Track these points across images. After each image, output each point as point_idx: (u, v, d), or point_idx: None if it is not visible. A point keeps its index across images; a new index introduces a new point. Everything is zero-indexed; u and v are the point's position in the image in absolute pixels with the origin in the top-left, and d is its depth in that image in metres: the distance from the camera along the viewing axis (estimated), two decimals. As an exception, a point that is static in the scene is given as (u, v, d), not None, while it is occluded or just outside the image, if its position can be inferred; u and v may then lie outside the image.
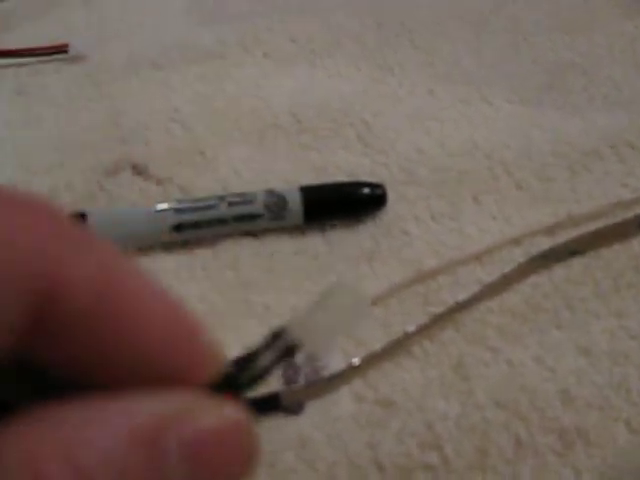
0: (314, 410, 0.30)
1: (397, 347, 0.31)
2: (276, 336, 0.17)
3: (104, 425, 0.14)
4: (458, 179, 0.39)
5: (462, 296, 0.33)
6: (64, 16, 0.49)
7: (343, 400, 0.30)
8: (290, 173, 0.38)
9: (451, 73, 0.46)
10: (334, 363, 0.30)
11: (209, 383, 0.16)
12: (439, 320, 0.32)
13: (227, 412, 0.15)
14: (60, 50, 0.46)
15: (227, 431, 0.15)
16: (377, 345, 0.31)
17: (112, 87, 0.44)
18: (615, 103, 0.44)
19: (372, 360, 0.31)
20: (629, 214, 0.37)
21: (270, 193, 0.35)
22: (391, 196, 0.37)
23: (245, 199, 0.35)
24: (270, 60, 0.46)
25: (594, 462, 0.29)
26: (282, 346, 0.16)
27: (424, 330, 0.32)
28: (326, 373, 0.30)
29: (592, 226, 0.36)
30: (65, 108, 0.43)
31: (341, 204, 0.36)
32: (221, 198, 0.35)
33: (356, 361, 0.30)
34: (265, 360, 0.16)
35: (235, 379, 0.16)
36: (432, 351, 0.32)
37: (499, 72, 0.46)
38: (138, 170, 0.38)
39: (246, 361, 0.16)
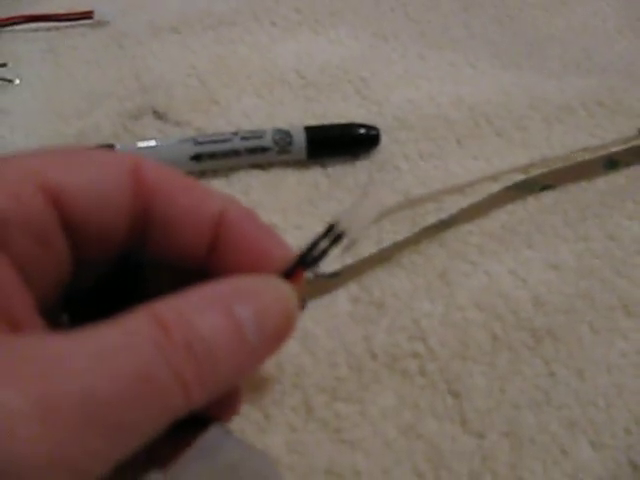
0: (315, 309, 0.34)
1: (387, 255, 0.35)
2: (330, 227, 0.23)
3: (202, 295, 0.20)
4: (444, 126, 0.43)
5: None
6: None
7: (340, 301, 0.35)
8: (295, 119, 0.43)
9: (441, 41, 0.50)
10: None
11: (287, 263, 0.23)
12: (424, 233, 0.36)
13: (284, 290, 0.22)
14: (85, 16, 0.50)
15: (283, 305, 0.22)
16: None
17: (135, 49, 0.48)
18: (587, 70, 0.49)
19: (365, 265, 0.35)
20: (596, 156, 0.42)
21: (278, 130, 0.40)
22: (385, 140, 0.42)
23: (256, 134, 0.39)
24: (277, 28, 0.51)
25: (561, 355, 0.33)
26: (333, 234, 0.23)
27: (411, 242, 0.36)
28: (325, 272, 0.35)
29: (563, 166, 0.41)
30: (92, 65, 0.47)
31: (340, 142, 0.41)
32: (235, 133, 0.39)
33: (350, 261, 0.34)
34: (322, 245, 0.23)
35: (304, 260, 0.23)
36: (419, 262, 0.36)
37: (484, 42, 0.51)
38: (159, 115, 0.43)
39: (310, 247, 0.23)
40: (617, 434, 0.31)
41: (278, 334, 0.22)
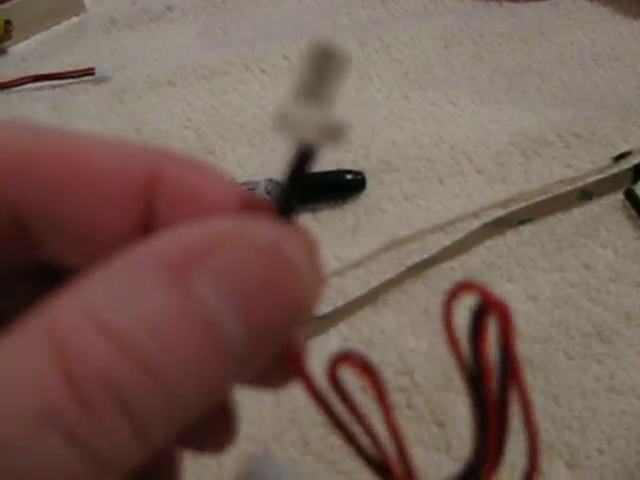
0: (309, 348, 0.37)
1: (374, 296, 0.38)
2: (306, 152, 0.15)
3: (125, 271, 0.13)
4: (427, 166, 0.46)
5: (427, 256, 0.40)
6: (91, 46, 0.57)
7: (333, 341, 0.38)
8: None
9: (423, 80, 0.53)
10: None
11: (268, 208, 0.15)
12: (408, 273, 0.39)
13: (270, 233, 0.13)
14: (87, 73, 0.54)
15: (270, 258, 0.13)
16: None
17: (134, 103, 0.52)
18: (564, 100, 0.52)
19: (354, 306, 0.38)
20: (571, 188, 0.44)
21: (270, 181, 0.42)
22: (371, 182, 0.45)
23: (249, 186, 0.42)
24: (267, 75, 0.54)
25: (538, 382, 0.36)
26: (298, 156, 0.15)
27: (396, 282, 0.39)
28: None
29: (540, 199, 0.44)
30: (95, 121, 0.50)
31: (328, 188, 0.44)
32: (229, 186, 0.42)
33: (340, 305, 0.37)
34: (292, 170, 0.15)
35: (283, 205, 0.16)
36: (404, 301, 0.39)
37: (465, 78, 0.54)
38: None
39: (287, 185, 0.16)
40: (591, 455, 0.34)
41: (283, 312, 0.14)
